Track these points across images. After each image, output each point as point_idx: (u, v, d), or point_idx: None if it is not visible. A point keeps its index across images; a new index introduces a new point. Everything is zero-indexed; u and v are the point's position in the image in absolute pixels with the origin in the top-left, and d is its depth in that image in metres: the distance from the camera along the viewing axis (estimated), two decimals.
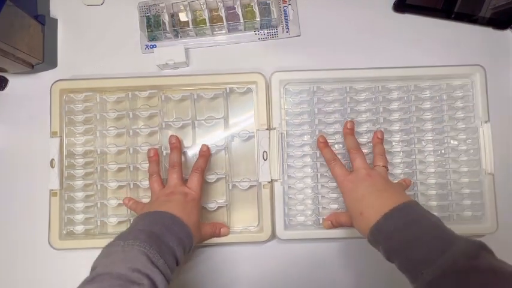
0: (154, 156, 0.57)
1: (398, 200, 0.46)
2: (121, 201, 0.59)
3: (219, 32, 0.62)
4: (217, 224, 0.57)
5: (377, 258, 0.59)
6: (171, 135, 0.57)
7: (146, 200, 0.57)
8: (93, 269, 0.42)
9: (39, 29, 0.61)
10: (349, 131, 0.57)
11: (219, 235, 0.57)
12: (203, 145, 0.58)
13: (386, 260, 0.45)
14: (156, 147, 0.58)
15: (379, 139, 0.57)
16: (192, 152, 0.60)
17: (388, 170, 0.54)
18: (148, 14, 0.62)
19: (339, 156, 0.59)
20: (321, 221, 0.58)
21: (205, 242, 0.57)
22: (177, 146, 0.56)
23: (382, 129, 0.58)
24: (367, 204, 0.48)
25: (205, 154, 0.57)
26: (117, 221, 0.59)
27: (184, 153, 0.60)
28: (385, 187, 0.50)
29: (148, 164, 0.57)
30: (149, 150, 0.57)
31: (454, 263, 0.39)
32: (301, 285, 0.59)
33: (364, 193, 0.49)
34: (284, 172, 0.58)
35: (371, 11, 0.63)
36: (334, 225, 0.56)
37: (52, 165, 0.58)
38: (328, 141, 0.59)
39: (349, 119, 0.58)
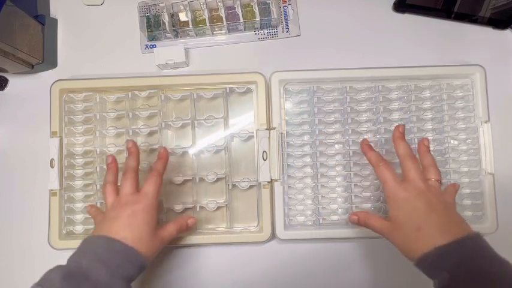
0: (112, 163, 0.53)
1: (464, 226, 0.44)
2: None
3: (219, 32, 0.62)
4: (181, 218, 0.54)
5: (377, 258, 0.59)
6: (128, 140, 0.55)
7: None
8: None
9: (39, 29, 0.61)
10: (401, 135, 0.51)
11: (187, 228, 0.54)
12: (160, 147, 0.56)
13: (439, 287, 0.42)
14: (113, 154, 0.55)
15: (427, 147, 0.51)
16: (192, 151, 0.60)
17: (441, 185, 0.49)
18: (148, 14, 0.62)
19: (339, 157, 0.59)
20: (321, 221, 0.58)
21: (206, 242, 0.57)
22: (133, 151, 0.52)
23: (382, 140, 0.57)
24: (429, 221, 0.43)
25: (163, 156, 0.53)
26: None
27: (184, 153, 0.60)
28: (445, 207, 0.45)
29: (147, 164, 0.57)
30: (108, 156, 0.53)
31: None
32: (301, 285, 0.59)
33: (424, 208, 0.44)
34: (284, 172, 0.58)
35: (371, 10, 0.63)
36: (360, 224, 0.51)
37: (52, 165, 0.58)
38: (328, 141, 0.59)
39: (401, 123, 0.53)
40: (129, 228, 0.46)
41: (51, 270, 0.43)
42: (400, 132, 0.51)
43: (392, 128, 0.59)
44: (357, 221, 0.51)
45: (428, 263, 0.42)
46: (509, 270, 0.41)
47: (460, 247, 0.41)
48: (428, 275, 0.43)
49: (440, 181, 0.48)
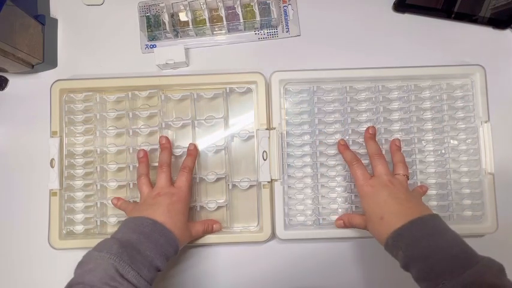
0: (144, 157, 0.57)
1: (422, 211, 0.48)
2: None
3: (219, 32, 0.62)
4: (209, 221, 0.57)
5: (377, 258, 0.59)
6: (161, 136, 0.58)
7: (138, 200, 0.57)
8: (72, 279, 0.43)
9: (39, 29, 0.61)
10: (371, 135, 0.56)
11: (211, 231, 0.57)
12: (190, 144, 0.58)
13: (402, 267, 0.46)
14: (145, 148, 0.58)
15: (398, 146, 0.56)
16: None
17: (408, 179, 0.53)
18: (148, 14, 0.62)
19: (339, 157, 0.59)
20: (321, 221, 0.58)
21: (205, 242, 0.57)
22: (166, 146, 0.56)
23: (382, 140, 0.58)
24: (389, 210, 0.48)
25: (193, 153, 0.57)
26: (116, 220, 0.59)
27: (184, 153, 0.60)
28: (406, 196, 0.50)
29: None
30: (139, 151, 0.57)
31: (480, 278, 0.40)
32: (301, 285, 0.59)
33: (386, 199, 0.49)
34: (284, 172, 0.58)
35: (371, 10, 0.63)
36: (346, 226, 0.55)
37: (52, 165, 0.58)
38: (328, 140, 0.59)
39: (371, 125, 0.58)
40: (169, 214, 0.49)
41: (106, 240, 0.46)
42: (371, 134, 0.56)
43: (393, 128, 0.59)
44: (343, 224, 0.56)
45: (389, 246, 0.47)
46: (457, 243, 0.44)
47: (412, 227, 0.45)
48: (393, 256, 0.47)
49: (407, 176, 0.53)
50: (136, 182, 0.58)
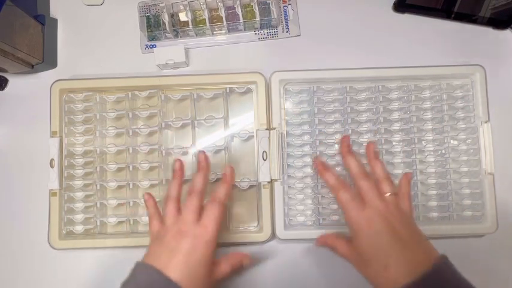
0: (179, 171, 0.48)
1: (429, 254, 0.43)
2: (120, 201, 0.59)
3: (219, 32, 0.62)
4: (236, 255, 0.48)
5: None
6: (200, 152, 0.48)
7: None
8: None
9: (39, 29, 0.61)
10: (349, 149, 0.50)
11: (240, 268, 0.48)
12: (227, 167, 0.49)
13: None
14: (182, 159, 0.51)
15: (375, 153, 0.50)
16: (192, 151, 0.60)
17: (396, 196, 0.48)
18: (148, 14, 0.62)
19: (339, 157, 0.58)
20: (321, 221, 0.58)
21: None
22: (203, 166, 0.47)
23: (382, 140, 0.56)
24: (395, 257, 0.42)
25: (228, 180, 0.48)
26: (116, 221, 0.59)
27: (184, 153, 0.60)
28: (409, 232, 0.44)
29: (147, 164, 0.57)
30: (176, 161, 0.48)
31: None
32: (301, 285, 0.59)
33: (390, 241, 0.42)
34: (284, 172, 0.58)
35: (371, 10, 0.63)
36: (328, 248, 0.51)
37: (52, 165, 0.58)
38: (328, 141, 0.59)
39: (345, 134, 0.51)
40: (186, 267, 0.42)
41: None
42: (348, 146, 0.49)
43: (393, 128, 0.59)
44: (325, 244, 0.50)
45: None
46: None
47: (427, 283, 0.40)
48: None
49: (395, 193, 0.47)
50: (135, 183, 0.58)
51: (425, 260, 0.42)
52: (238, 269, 0.49)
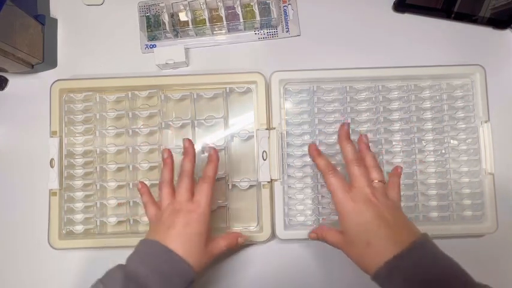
0: (169, 158, 0.52)
1: (411, 233, 0.45)
2: (120, 201, 0.59)
3: (219, 31, 0.62)
4: (232, 235, 0.52)
5: None
6: (185, 139, 0.52)
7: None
8: None
9: (39, 29, 0.61)
10: (347, 135, 0.52)
11: (235, 246, 0.52)
12: (210, 148, 0.52)
13: None
14: (170, 147, 0.55)
15: (366, 144, 0.52)
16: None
17: (384, 184, 0.50)
18: (148, 14, 0.62)
19: (339, 157, 0.58)
20: (321, 221, 0.58)
21: None
22: (189, 151, 0.51)
23: (382, 140, 0.57)
24: (377, 234, 0.44)
25: (214, 159, 0.51)
26: (116, 220, 0.59)
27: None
28: (393, 215, 0.46)
29: (147, 164, 0.57)
30: (163, 150, 0.52)
31: None
32: (301, 285, 0.59)
33: (372, 220, 0.45)
34: (284, 172, 0.58)
35: (371, 10, 0.63)
36: (320, 240, 0.52)
37: (52, 165, 0.58)
38: (328, 141, 0.59)
39: (345, 121, 0.53)
40: (183, 239, 0.46)
41: (113, 270, 0.45)
42: (346, 132, 0.51)
43: (393, 127, 0.59)
44: (316, 237, 0.52)
45: (382, 279, 0.43)
46: (453, 273, 0.42)
47: (408, 256, 0.42)
48: (381, 286, 0.44)
49: (383, 181, 0.49)
50: (135, 182, 0.58)
51: (407, 238, 0.43)
52: (234, 247, 0.52)
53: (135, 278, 0.43)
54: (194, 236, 0.46)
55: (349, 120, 0.58)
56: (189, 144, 0.52)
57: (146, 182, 0.58)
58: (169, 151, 0.52)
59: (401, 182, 0.53)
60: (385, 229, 0.44)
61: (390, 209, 0.46)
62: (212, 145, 0.54)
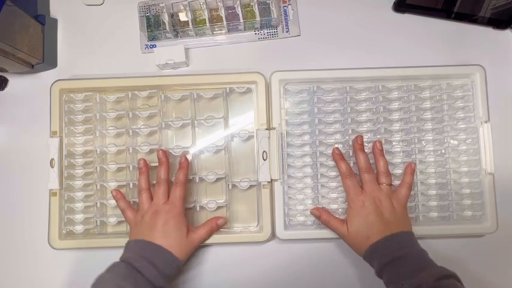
0: (144, 168, 0.57)
1: (400, 228, 0.53)
2: None
3: (219, 32, 0.62)
4: (211, 220, 0.57)
5: None
6: (157, 150, 0.57)
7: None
8: None
9: (39, 29, 0.61)
10: (361, 146, 0.57)
11: (217, 229, 0.57)
12: (182, 156, 0.58)
13: (377, 275, 0.52)
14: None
15: (380, 150, 0.57)
16: (192, 151, 0.60)
17: (391, 187, 0.56)
18: (148, 14, 0.62)
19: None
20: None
21: (205, 242, 0.57)
22: (163, 161, 0.56)
23: (382, 140, 0.58)
24: (375, 230, 0.52)
25: (184, 166, 0.56)
26: (116, 220, 0.59)
27: (186, 153, 0.60)
28: (391, 214, 0.53)
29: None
30: (139, 160, 0.57)
31: (429, 279, 0.46)
32: (301, 285, 0.59)
33: (374, 220, 0.53)
34: (284, 172, 0.58)
35: (371, 10, 0.63)
36: (321, 221, 0.57)
37: (52, 165, 0.58)
38: (329, 140, 0.59)
39: (359, 134, 0.58)
40: (165, 234, 0.53)
41: (115, 264, 0.51)
42: (360, 144, 0.57)
43: (393, 128, 0.59)
44: (318, 217, 0.57)
45: (367, 258, 0.53)
46: (419, 254, 0.51)
47: (385, 241, 0.51)
48: (370, 265, 0.53)
49: (391, 184, 0.56)
50: (135, 182, 0.58)
51: (394, 230, 0.52)
52: (216, 230, 0.57)
53: (134, 267, 0.50)
54: (174, 231, 0.53)
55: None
56: (162, 154, 0.57)
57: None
58: (145, 161, 0.57)
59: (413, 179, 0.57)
60: (382, 225, 0.53)
61: (392, 213, 0.54)
62: (183, 155, 0.59)
